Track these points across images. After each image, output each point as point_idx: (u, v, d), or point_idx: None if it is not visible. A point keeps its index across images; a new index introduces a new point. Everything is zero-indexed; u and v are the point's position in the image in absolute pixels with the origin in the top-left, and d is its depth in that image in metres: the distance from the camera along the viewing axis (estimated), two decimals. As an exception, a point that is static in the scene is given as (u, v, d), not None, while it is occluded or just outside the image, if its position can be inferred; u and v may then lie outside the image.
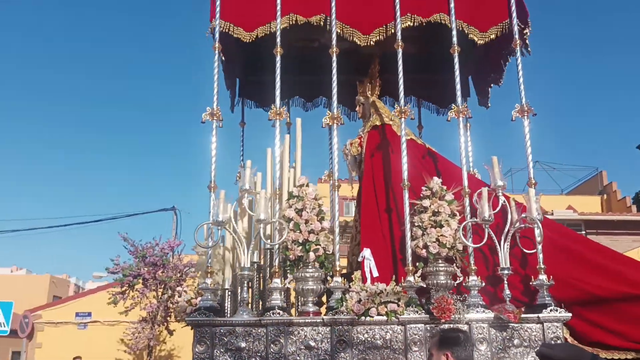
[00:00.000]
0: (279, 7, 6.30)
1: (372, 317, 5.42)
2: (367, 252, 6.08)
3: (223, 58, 6.51)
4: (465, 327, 5.43)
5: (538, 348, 2.84)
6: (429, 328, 5.46)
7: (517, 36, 6.25)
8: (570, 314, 5.52)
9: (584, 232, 23.08)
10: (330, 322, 5.46)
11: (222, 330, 5.50)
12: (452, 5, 6.31)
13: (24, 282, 36.85)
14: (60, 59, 79.02)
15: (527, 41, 6.55)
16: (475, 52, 7.32)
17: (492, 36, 6.38)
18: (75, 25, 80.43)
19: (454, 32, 6.25)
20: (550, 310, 5.50)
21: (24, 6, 73.05)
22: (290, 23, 6.37)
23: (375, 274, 6.01)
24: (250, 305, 6.01)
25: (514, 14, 6.31)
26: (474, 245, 5.69)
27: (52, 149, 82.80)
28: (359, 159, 6.97)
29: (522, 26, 6.42)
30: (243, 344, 5.45)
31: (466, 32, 6.36)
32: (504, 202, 5.88)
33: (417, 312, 5.45)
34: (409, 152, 6.63)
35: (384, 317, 5.41)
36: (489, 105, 7.81)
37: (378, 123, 6.83)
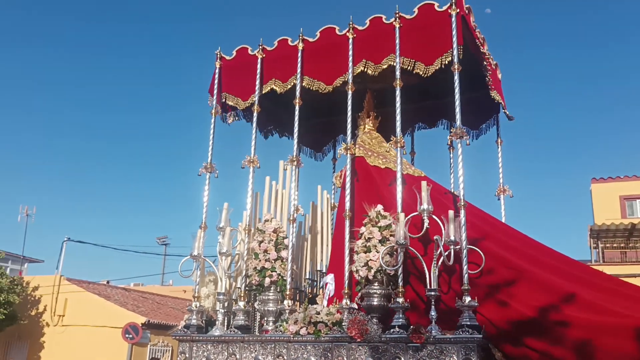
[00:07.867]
0: (258, 75, 7.46)
1: (302, 336, 6.10)
2: (329, 277, 6.73)
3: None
4: (384, 347, 5.78)
5: None
6: (353, 347, 5.93)
7: (455, 59, 6.32)
8: (480, 336, 5.44)
9: None
10: (272, 339, 6.30)
11: (197, 345, 6.74)
12: (397, 46, 6.67)
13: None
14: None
15: (485, 64, 6.67)
16: None
17: (437, 67, 6.52)
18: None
19: (397, 71, 6.60)
20: (462, 332, 5.49)
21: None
22: (273, 87, 7.45)
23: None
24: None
25: (455, 43, 6.38)
26: (390, 268, 5.97)
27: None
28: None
29: (473, 53, 6.49)
30: (212, 357, 6.61)
31: (412, 68, 6.63)
32: (429, 225, 6.00)
33: (340, 332, 5.96)
34: (379, 181, 7.10)
35: (313, 337, 6.06)
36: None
37: (356, 155, 7.34)
